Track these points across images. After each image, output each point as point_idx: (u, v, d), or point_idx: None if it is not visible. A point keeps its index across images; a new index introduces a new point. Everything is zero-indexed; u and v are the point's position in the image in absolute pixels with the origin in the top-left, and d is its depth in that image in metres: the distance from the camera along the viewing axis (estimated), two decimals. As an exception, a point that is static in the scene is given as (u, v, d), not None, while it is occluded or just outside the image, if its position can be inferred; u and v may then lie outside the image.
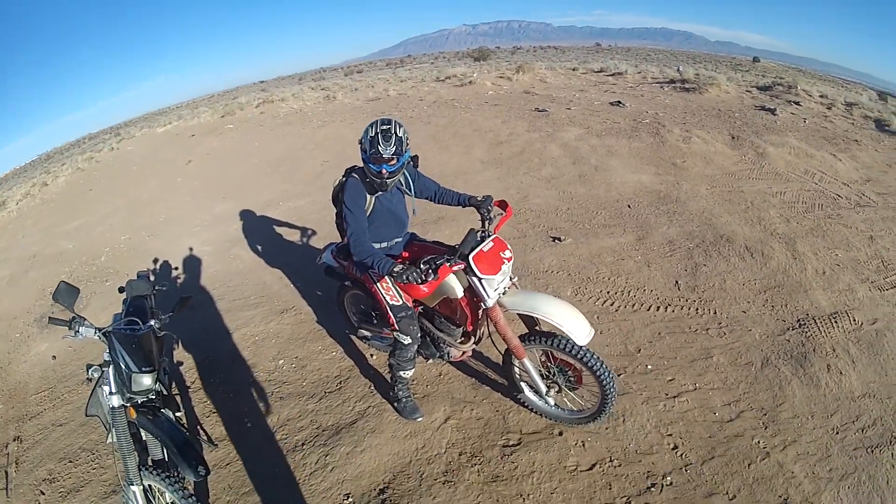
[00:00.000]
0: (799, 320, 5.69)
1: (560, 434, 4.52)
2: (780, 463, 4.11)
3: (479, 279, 3.95)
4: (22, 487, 5.15)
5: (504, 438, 4.57)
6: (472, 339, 4.69)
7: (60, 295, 3.62)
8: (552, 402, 4.58)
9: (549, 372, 4.41)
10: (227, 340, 6.66)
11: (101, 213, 14.46)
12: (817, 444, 4.26)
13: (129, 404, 3.63)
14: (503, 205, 4.59)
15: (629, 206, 8.62)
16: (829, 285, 6.25)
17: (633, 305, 6.17)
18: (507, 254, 4.12)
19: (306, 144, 16.43)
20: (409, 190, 4.66)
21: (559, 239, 7.75)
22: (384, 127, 3.99)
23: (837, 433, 4.34)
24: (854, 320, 5.62)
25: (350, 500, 4.21)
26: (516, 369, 4.60)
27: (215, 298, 7.83)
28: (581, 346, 3.91)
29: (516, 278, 4.28)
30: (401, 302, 4.46)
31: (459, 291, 4.25)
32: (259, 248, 9.44)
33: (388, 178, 4.13)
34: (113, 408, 3.57)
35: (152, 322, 3.83)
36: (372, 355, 5.85)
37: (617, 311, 6.10)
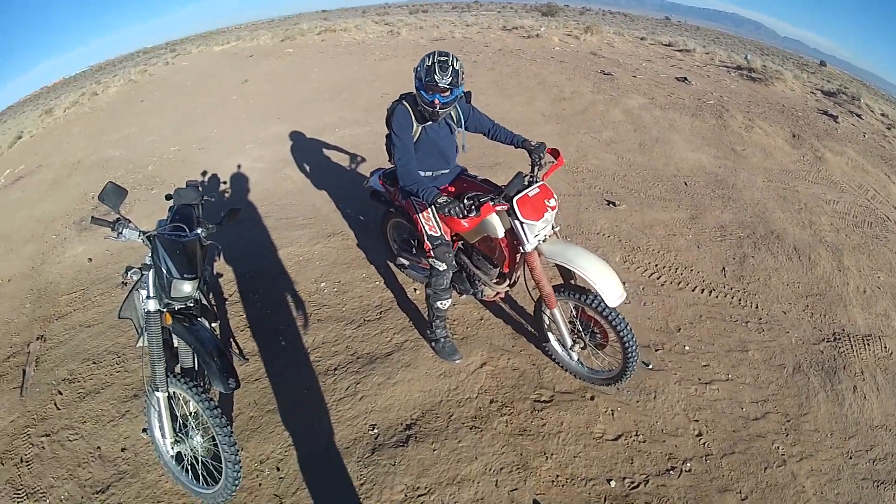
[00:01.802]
0: (834, 333, 5.55)
1: (592, 399, 4.51)
2: (794, 474, 4.07)
3: (521, 223, 3.97)
4: (39, 387, 5.21)
5: (537, 393, 4.57)
6: (507, 282, 4.74)
7: (107, 195, 3.56)
8: (575, 357, 4.61)
9: (577, 327, 4.43)
10: (271, 257, 6.69)
11: (151, 124, 14.51)
12: (831, 464, 4.19)
13: (165, 310, 3.62)
14: (555, 153, 4.59)
15: (686, 184, 8.46)
16: (867, 306, 6.07)
17: (679, 283, 6.09)
18: (552, 202, 4.10)
19: (367, 76, 16.27)
20: (460, 125, 4.66)
21: (614, 203, 7.67)
22: (441, 58, 4.01)
23: (851, 458, 4.26)
24: (885, 347, 5.45)
25: (375, 430, 4.24)
26: (546, 318, 4.64)
27: (263, 215, 7.85)
28: (611, 307, 3.92)
29: (558, 227, 4.30)
30: (439, 233, 4.51)
31: (500, 232, 4.30)
32: (311, 170, 9.43)
33: (439, 109, 4.14)
34: (148, 312, 3.54)
35: (199, 230, 3.80)
36: (415, 290, 5.85)
37: (662, 286, 6.03)
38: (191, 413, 3.68)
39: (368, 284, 6.03)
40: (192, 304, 3.83)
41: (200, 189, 4.81)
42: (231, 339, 5.03)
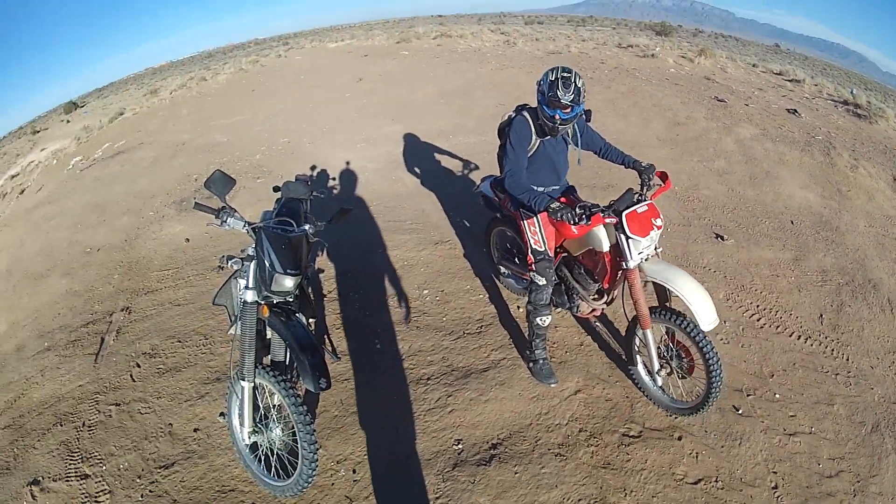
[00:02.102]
0: None
1: (679, 439, 4.38)
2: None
3: (627, 238, 4.00)
4: (116, 357, 5.33)
5: (626, 427, 4.45)
6: (604, 299, 4.72)
7: (214, 183, 3.56)
8: (659, 383, 4.55)
9: (665, 353, 4.42)
10: (376, 259, 6.72)
11: (261, 113, 14.83)
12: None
13: (263, 302, 3.64)
14: (664, 176, 4.58)
15: (792, 223, 8.15)
16: None
17: (778, 327, 5.86)
18: (658, 222, 4.10)
19: (483, 84, 16.30)
20: (577, 142, 4.67)
21: (722, 237, 7.49)
22: (565, 74, 4.05)
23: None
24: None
25: (460, 446, 4.17)
26: (637, 340, 4.60)
27: (371, 216, 7.89)
28: (702, 332, 3.94)
29: (661, 249, 4.31)
30: (543, 248, 4.58)
31: (605, 245, 4.31)
32: (422, 174, 9.45)
33: (559, 124, 4.18)
34: (245, 302, 3.57)
35: (307, 226, 3.78)
36: (518, 307, 5.75)
37: (762, 328, 5.81)
38: (274, 406, 3.69)
39: (472, 297, 5.99)
40: (290, 300, 3.83)
41: (310, 184, 4.83)
42: (325, 336, 5.03)
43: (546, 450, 4.19)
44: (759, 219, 8.23)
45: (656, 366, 4.42)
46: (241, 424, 3.64)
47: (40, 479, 4.13)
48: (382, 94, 15.85)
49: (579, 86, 4.06)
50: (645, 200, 4.16)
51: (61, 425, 4.58)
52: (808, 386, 5.12)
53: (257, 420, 3.68)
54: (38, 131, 37.59)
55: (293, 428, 3.43)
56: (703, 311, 3.85)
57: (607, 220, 4.00)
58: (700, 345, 3.98)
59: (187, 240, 7.55)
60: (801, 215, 8.49)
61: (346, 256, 6.71)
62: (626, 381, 4.87)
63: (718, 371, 3.96)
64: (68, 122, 33.36)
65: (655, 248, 4.21)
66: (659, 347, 4.44)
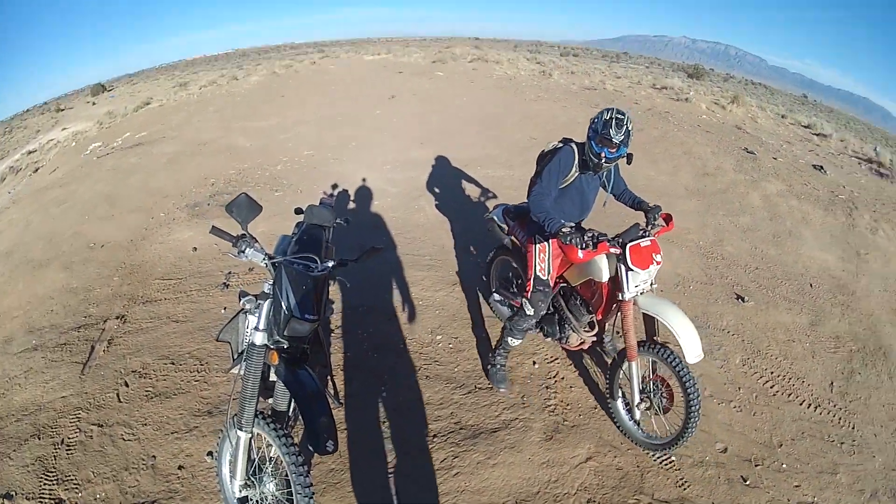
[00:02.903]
0: None
1: (681, 514, 4.25)
2: None
3: (628, 269, 4.22)
4: (104, 370, 5.16)
5: (635, 498, 4.32)
6: (595, 331, 4.89)
7: (238, 207, 3.27)
8: (637, 417, 4.69)
9: (647, 386, 4.61)
10: (388, 295, 6.54)
11: (288, 121, 14.87)
12: None
13: (273, 347, 3.33)
14: (668, 218, 4.79)
15: (811, 286, 8.04)
16: None
17: (790, 395, 5.74)
18: (658, 258, 4.32)
19: (517, 115, 16.27)
20: (609, 183, 4.93)
21: (742, 299, 7.38)
22: (619, 115, 4.26)
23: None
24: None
25: (465, 514, 3.98)
26: (621, 373, 4.69)
27: (388, 246, 7.74)
28: (686, 365, 4.14)
29: (657, 286, 4.55)
30: (546, 277, 4.80)
31: (605, 276, 4.49)
32: (446, 206, 9.30)
33: (604, 161, 4.39)
34: (254, 344, 3.25)
35: (330, 263, 3.44)
36: (535, 363, 5.59)
37: (774, 395, 5.70)
38: (269, 458, 3.41)
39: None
40: (305, 346, 3.59)
41: (334, 210, 4.59)
42: (329, 377, 4.60)
43: (553, 521, 4.03)
44: (780, 280, 8.16)
45: (637, 399, 4.57)
46: (233, 476, 3.36)
47: (13, 493, 3.98)
48: (413, 114, 15.86)
49: (630, 129, 4.29)
50: (649, 236, 4.40)
51: (39, 438, 4.44)
52: (814, 455, 5.05)
53: (250, 472, 3.41)
54: (62, 109, 37.89)
55: (288, 485, 3.21)
56: (690, 343, 4.08)
57: (612, 250, 4.21)
58: (683, 378, 4.13)
59: (195, 249, 7.41)
60: (820, 278, 8.42)
61: (357, 289, 6.48)
62: (636, 448, 4.76)
63: (697, 407, 4.14)
64: (94, 104, 33.72)
65: (651, 284, 4.45)
66: (642, 380, 4.61)
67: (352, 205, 9.05)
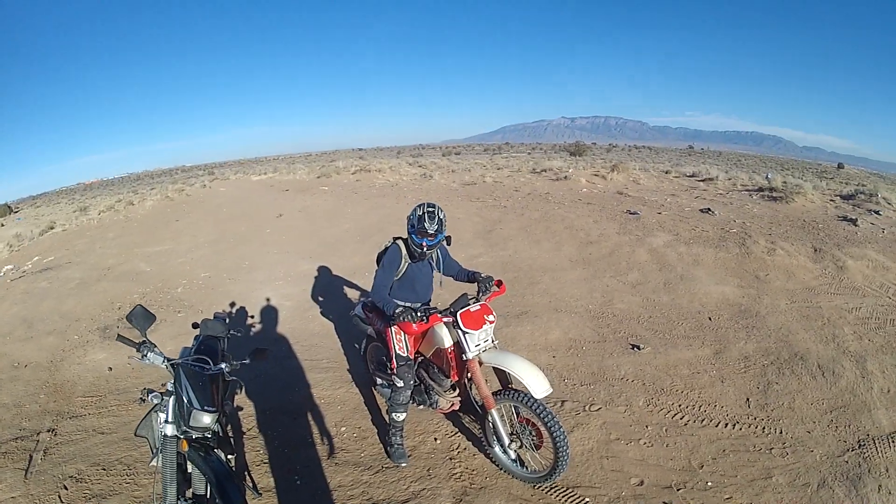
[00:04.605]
0: (859, 441, 5.52)
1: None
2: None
3: (464, 332, 4.82)
4: (44, 476, 5.30)
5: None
6: (457, 392, 5.46)
7: (136, 318, 3.77)
8: (513, 456, 5.07)
9: (515, 429, 5.01)
10: (293, 397, 6.84)
11: (184, 245, 15.11)
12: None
13: (182, 437, 3.69)
14: (499, 283, 5.50)
15: (710, 319, 8.49)
16: (892, 404, 6.09)
17: (703, 421, 6.01)
18: (491, 318, 4.95)
19: (399, 219, 16.44)
20: (439, 267, 5.71)
21: (638, 347, 7.69)
22: (430, 209, 5.12)
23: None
24: (911, 440, 5.42)
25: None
26: (489, 423, 5.06)
27: (288, 354, 8.09)
28: (538, 401, 4.50)
29: (497, 342, 5.11)
30: (405, 353, 5.36)
31: (447, 342, 5.11)
32: (337, 312, 9.64)
33: (426, 250, 5.22)
34: (166, 436, 3.64)
35: (223, 365, 3.97)
36: (436, 439, 5.83)
37: (686, 425, 5.95)
38: None
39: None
40: (209, 436, 3.88)
41: (227, 322, 4.97)
42: (246, 472, 4.91)
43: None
44: (676, 322, 8.55)
45: (506, 440, 4.94)
46: None
47: None
48: (301, 230, 16.50)
49: (441, 218, 5.13)
50: (479, 302, 5.08)
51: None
52: (741, 467, 5.24)
53: None
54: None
55: None
56: (534, 381, 4.49)
57: (445, 319, 4.95)
58: (542, 416, 4.49)
59: (110, 368, 7.57)
60: (719, 310, 8.87)
61: (265, 394, 6.83)
62: (548, 497, 4.93)
63: (563, 438, 4.45)
64: (2, 225, 32.96)
65: (492, 341, 5.02)
66: (511, 424, 5.04)
67: (250, 320, 9.38)
